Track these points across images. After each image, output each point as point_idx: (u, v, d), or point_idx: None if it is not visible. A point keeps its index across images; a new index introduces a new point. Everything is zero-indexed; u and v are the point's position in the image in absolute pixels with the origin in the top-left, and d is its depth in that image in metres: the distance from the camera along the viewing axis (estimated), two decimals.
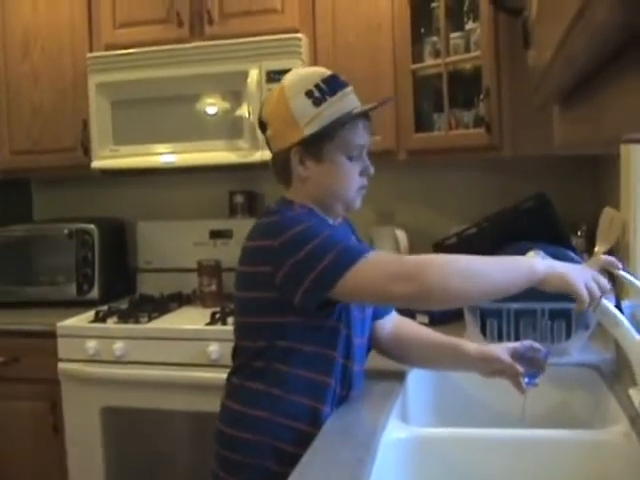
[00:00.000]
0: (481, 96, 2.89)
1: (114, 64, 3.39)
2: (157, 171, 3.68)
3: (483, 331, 2.34)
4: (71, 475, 3.22)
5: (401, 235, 3.38)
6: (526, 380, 1.95)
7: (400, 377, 2.14)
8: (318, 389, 1.83)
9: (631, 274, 1.90)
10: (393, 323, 2.13)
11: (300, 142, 1.85)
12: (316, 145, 1.85)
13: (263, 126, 1.94)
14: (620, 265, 1.85)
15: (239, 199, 3.75)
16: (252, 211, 3.74)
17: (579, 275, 1.69)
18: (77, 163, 3.54)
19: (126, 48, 3.39)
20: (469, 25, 2.99)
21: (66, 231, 3.60)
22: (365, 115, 1.91)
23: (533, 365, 1.95)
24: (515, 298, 2.16)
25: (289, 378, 1.81)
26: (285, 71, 3.06)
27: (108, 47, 3.47)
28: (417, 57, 3.15)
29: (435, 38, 3.11)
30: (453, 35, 3.03)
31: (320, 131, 1.83)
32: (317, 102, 1.83)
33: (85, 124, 3.49)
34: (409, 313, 2.80)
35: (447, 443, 1.81)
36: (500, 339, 2.29)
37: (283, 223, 1.78)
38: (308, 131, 1.83)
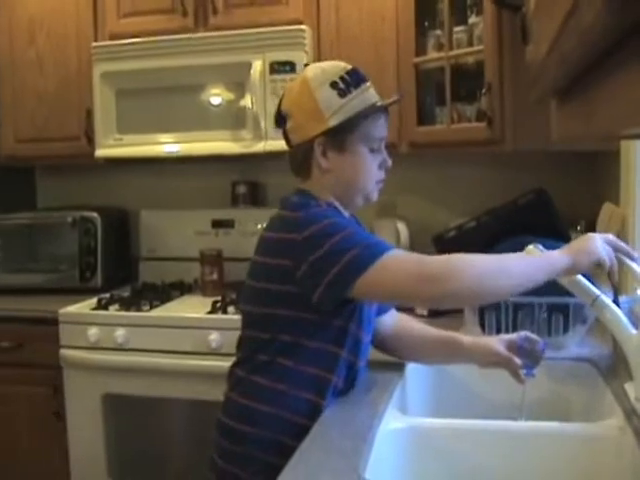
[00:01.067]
0: (483, 90, 2.89)
1: (119, 54, 3.39)
2: (160, 160, 3.69)
3: (482, 324, 2.35)
4: (72, 460, 3.24)
5: (402, 228, 3.38)
6: (524, 371, 1.97)
7: (399, 368, 2.15)
8: (320, 385, 1.83)
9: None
10: (393, 320, 2.14)
11: (325, 132, 1.85)
12: (340, 136, 1.86)
13: (282, 119, 1.93)
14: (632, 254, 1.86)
15: (241, 189, 3.76)
16: (254, 201, 3.75)
17: (596, 244, 1.75)
18: (81, 152, 3.56)
19: (131, 38, 3.39)
20: (472, 19, 2.99)
21: (69, 219, 3.60)
22: (385, 109, 1.93)
23: (530, 356, 1.96)
24: None
25: (293, 373, 1.82)
26: (289, 62, 3.12)
27: (113, 36, 3.47)
28: (420, 50, 3.15)
29: (439, 32, 3.11)
30: (456, 29, 3.02)
31: (345, 122, 1.84)
32: (342, 93, 1.84)
33: (89, 113, 3.50)
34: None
35: (443, 434, 1.83)
36: (498, 332, 2.29)
37: (307, 218, 1.78)
38: (333, 122, 1.84)
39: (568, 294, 1.94)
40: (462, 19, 3.04)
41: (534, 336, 1.99)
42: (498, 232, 2.33)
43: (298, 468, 1.51)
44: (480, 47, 2.92)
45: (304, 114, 1.87)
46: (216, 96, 3.30)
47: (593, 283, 1.90)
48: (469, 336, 2.08)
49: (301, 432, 1.71)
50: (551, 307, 2.24)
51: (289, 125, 1.91)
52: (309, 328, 1.81)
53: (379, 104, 1.90)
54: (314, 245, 1.72)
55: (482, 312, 2.34)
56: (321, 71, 1.89)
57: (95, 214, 3.63)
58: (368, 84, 1.90)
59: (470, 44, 2.99)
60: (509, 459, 1.77)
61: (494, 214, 2.43)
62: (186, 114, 3.33)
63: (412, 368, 2.20)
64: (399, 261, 1.70)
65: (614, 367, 2.04)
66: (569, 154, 3.08)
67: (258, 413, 1.83)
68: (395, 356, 2.14)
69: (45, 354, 3.23)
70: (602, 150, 2.76)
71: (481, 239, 2.35)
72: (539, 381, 2.16)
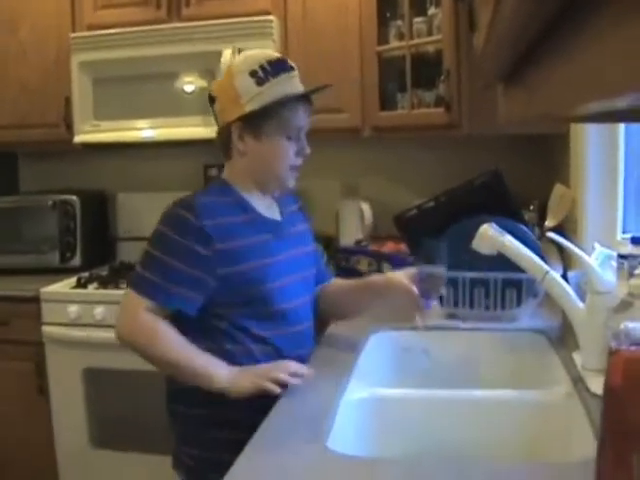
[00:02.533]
0: (442, 77, 2.89)
1: (96, 44, 3.35)
2: (136, 145, 3.66)
3: (440, 298, 2.35)
4: (56, 431, 3.23)
5: (366, 208, 3.38)
6: (423, 301, 1.95)
7: (362, 339, 2.16)
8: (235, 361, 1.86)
9: (578, 246, 1.92)
10: (325, 286, 2.17)
11: (240, 118, 1.87)
12: (256, 122, 1.87)
13: (212, 100, 1.96)
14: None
15: (213, 172, 3.73)
16: None
17: (244, 383, 1.77)
18: (60, 138, 3.52)
19: (107, 29, 3.35)
20: (431, 10, 2.99)
21: (50, 202, 3.57)
22: (307, 98, 1.93)
23: (430, 286, 1.95)
24: (471, 267, 2.20)
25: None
26: None
27: (90, 27, 3.43)
28: (382, 39, 3.15)
29: (400, 22, 3.10)
30: (416, 19, 3.02)
31: (260, 109, 1.85)
32: (260, 82, 1.85)
33: (68, 101, 3.46)
34: None
35: (403, 403, 1.83)
36: (456, 306, 2.30)
37: (164, 215, 1.87)
38: (248, 108, 1.85)
39: (521, 270, 1.95)
40: (422, 10, 3.03)
41: (436, 268, 1.96)
42: (455, 211, 2.32)
43: (266, 437, 1.51)
44: (439, 37, 2.92)
45: (226, 98, 1.90)
46: (188, 84, 3.28)
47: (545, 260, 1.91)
48: (379, 275, 2.10)
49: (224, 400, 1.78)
50: (505, 282, 2.25)
51: (216, 107, 1.94)
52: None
53: (295, 93, 1.89)
54: (150, 241, 1.89)
55: None
56: (244, 59, 1.91)
57: (74, 197, 3.59)
58: (292, 74, 1.91)
59: (430, 34, 2.99)
60: (465, 425, 1.78)
61: (452, 194, 2.43)
62: (160, 101, 3.31)
63: (374, 340, 2.21)
64: (127, 302, 1.84)
65: (563, 337, 2.05)
66: (523, 137, 3.09)
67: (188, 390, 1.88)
68: (333, 317, 2.20)
69: (28, 331, 3.21)
70: (554, 133, 2.77)
71: (439, 218, 2.35)
72: (495, 351, 2.18)
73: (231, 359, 1.83)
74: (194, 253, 1.80)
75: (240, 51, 3.14)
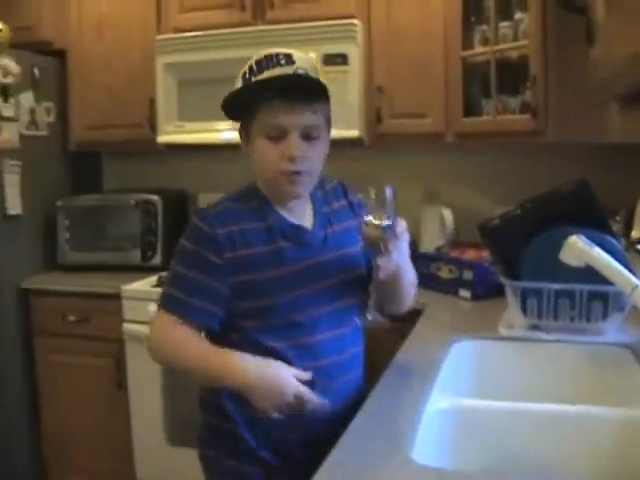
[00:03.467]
0: (528, 83, 2.86)
1: (181, 46, 3.42)
2: (218, 146, 3.70)
3: (524, 309, 2.32)
4: (134, 427, 3.30)
5: (447, 214, 3.36)
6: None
7: (444, 349, 2.14)
8: None
9: None
10: None
11: (237, 122, 1.84)
12: (246, 125, 1.80)
13: None
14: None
15: None
16: None
17: (267, 400, 1.72)
18: (144, 138, 3.60)
19: (192, 31, 3.41)
20: (518, 15, 2.96)
21: (132, 201, 3.64)
22: (291, 94, 1.73)
23: (375, 239, 1.70)
24: (556, 278, 2.16)
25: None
26: (341, 55, 3.12)
27: (176, 30, 3.50)
28: (467, 44, 3.12)
29: (485, 27, 3.08)
30: (502, 24, 2.99)
31: (236, 111, 1.80)
32: (244, 83, 1.78)
33: (152, 103, 3.54)
34: (452, 288, 2.82)
35: (485, 414, 1.81)
36: (540, 317, 2.26)
37: (188, 227, 1.82)
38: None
39: (608, 282, 1.91)
40: (508, 15, 3.00)
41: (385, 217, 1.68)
42: (542, 221, 2.28)
43: (348, 447, 1.50)
44: (525, 42, 2.88)
45: None
46: None
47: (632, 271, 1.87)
48: None
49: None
50: (591, 294, 2.21)
51: None
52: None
53: (252, 83, 1.75)
54: (175, 256, 1.84)
55: (524, 297, 2.31)
56: (248, 63, 1.80)
57: (156, 197, 3.66)
58: (281, 70, 1.73)
59: (515, 39, 2.96)
60: (545, 438, 1.75)
61: (537, 203, 2.38)
62: None
63: (456, 349, 2.19)
64: (157, 320, 1.85)
65: None
66: (609, 146, 3.02)
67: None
68: (387, 304, 1.97)
69: (109, 328, 3.29)
70: None
71: (525, 227, 2.31)
72: (578, 365, 2.14)
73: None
74: (211, 264, 1.76)
75: (324, 55, 3.16)
